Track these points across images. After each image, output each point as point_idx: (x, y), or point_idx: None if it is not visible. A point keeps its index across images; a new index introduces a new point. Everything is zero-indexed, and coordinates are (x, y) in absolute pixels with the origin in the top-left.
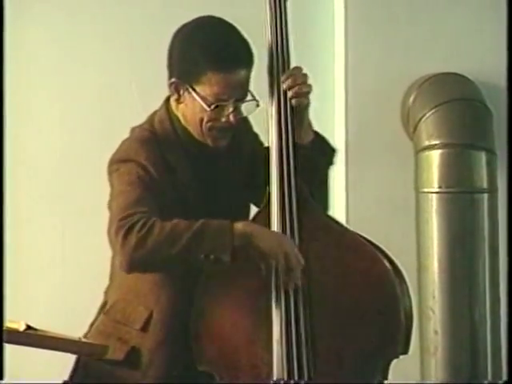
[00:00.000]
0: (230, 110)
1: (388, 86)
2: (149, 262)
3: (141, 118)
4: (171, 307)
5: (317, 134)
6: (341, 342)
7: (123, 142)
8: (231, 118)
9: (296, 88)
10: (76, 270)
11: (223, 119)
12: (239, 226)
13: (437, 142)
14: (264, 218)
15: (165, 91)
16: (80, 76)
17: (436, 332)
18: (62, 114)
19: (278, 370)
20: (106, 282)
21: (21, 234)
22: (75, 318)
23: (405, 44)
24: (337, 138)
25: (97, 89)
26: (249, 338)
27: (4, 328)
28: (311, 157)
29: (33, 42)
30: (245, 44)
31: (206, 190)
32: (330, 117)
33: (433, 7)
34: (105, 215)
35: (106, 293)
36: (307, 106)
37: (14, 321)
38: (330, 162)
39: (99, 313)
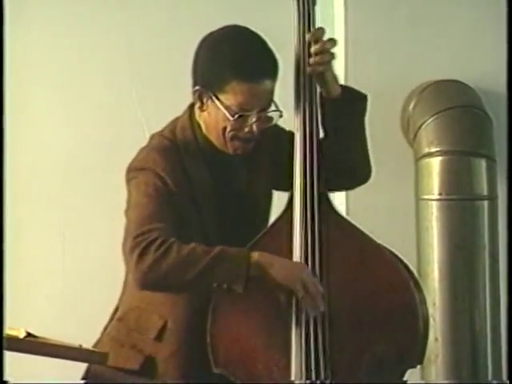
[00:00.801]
0: (254, 120)
1: (388, 92)
2: (162, 284)
3: (141, 125)
4: (186, 317)
5: (344, 86)
6: (359, 349)
7: (141, 150)
8: (254, 127)
9: (318, 57)
10: (76, 278)
11: (246, 129)
12: (255, 256)
13: (437, 149)
14: (287, 220)
15: (165, 99)
16: (81, 79)
17: (436, 339)
18: (63, 121)
19: (295, 372)
20: (106, 289)
21: (21, 241)
22: (76, 325)
23: (405, 51)
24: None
25: (98, 94)
26: (266, 343)
27: (4, 335)
28: (343, 107)
29: (33, 42)
30: (270, 54)
31: (224, 200)
32: None
33: (433, 15)
34: (106, 223)
35: (120, 299)
36: (329, 65)
37: (14, 328)
38: (364, 108)
39: (111, 318)
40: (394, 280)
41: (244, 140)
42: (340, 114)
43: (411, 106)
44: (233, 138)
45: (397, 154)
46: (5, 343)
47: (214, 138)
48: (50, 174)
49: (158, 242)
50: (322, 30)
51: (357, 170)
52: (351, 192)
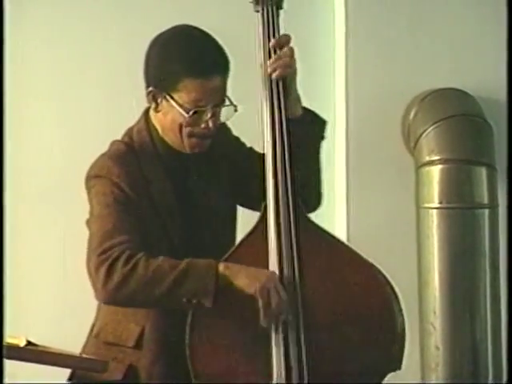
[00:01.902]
0: (209, 115)
1: (389, 101)
2: (130, 302)
3: None
4: (163, 320)
5: (306, 109)
6: (337, 354)
7: (99, 157)
8: (210, 123)
9: (279, 61)
10: (77, 285)
11: (202, 125)
12: (221, 267)
13: (437, 158)
14: (261, 231)
15: None
16: (81, 86)
17: (437, 348)
18: (63, 125)
19: (277, 376)
20: None
21: (21, 247)
22: (76, 334)
23: (406, 60)
24: (337, 152)
25: (98, 99)
26: (245, 354)
27: (4, 344)
28: (301, 130)
29: (33, 43)
30: (220, 51)
31: (186, 200)
32: (330, 132)
33: (434, 23)
34: None
35: (96, 315)
36: (292, 79)
37: (15, 336)
38: (321, 135)
39: (89, 336)
40: (370, 285)
41: (201, 136)
42: (297, 135)
43: (412, 115)
44: (190, 135)
45: (397, 163)
46: (5, 352)
47: (171, 138)
48: (51, 179)
49: (124, 258)
50: (284, 37)
51: (306, 197)
52: (352, 200)
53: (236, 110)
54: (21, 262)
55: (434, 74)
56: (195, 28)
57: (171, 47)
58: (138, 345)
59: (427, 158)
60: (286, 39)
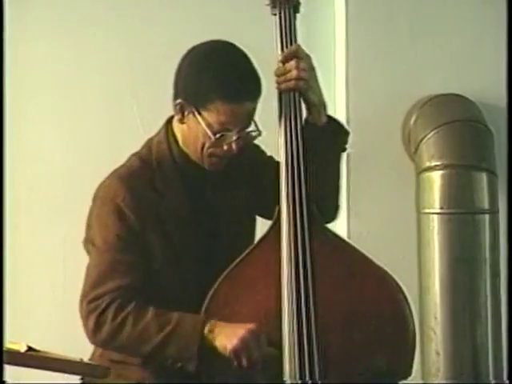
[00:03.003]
0: (234, 138)
1: (389, 107)
2: (121, 351)
3: (142, 138)
4: None
5: (330, 117)
6: (348, 361)
7: (109, 175)
8: (233, 146)
9: (285, 75)
10: (77, 291)
11: (225, 147)
12: (207, 329)
13: (438, 163)
14: (275, 235)
15: (166, 112)
16: (82, 91)
17: (438, 353)
18: (64, 131)
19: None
20: None
21: (22, 254)
22: (77, 339)
23: (406, 66)
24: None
25: (99, 106)
26: None
27: (5, 349)
28: (322, 138)
29: (33, 43)
30: (255, 74)
31: (202, 213)
32: None
33: (434, 29)
34: None
35: None
36: (308, 88)
37: (15, 342)
38: (343, 146)
39: (92, 354)
40: (382, 293)
41: (222, 157)
42: (320, 142)
43: (412, 120)
44: (210, 155)
45: (398, 168)
46: (6, 357)
47: (192, 151)
48: (51, 185)
49: (113, 309)
50: (295, 48)
51: (322, 208)
52: (352, 205)
53: (260, 135)
54: (21, 266)
55: (435, 79)
56: (229, 44)
57: (207, 64)
58: (144, 362)
59: (428, 164)
60: (293, 52)
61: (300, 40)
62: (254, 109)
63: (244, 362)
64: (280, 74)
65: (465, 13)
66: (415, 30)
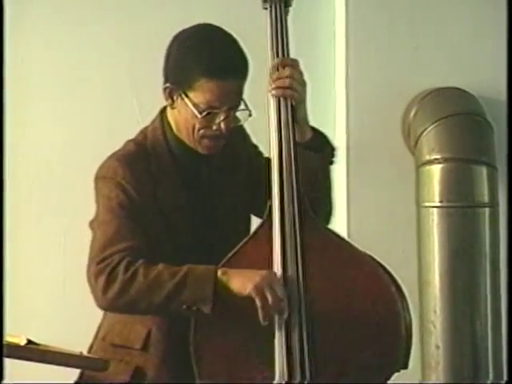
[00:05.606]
0: (222, 117)
1: (389, 100)
2: (131, 309)
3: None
4: (169, 321)
5: (316, 132)
6: (342, 354)
7: (108, 158)
8: (222, 125)
9: (279, 81)
10: (77, 284)
11: (214, 127)
12: (219, 273)
13: (438, 157)
14: (266, 231)
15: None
16: (81, 87)
17: (437, 346)
18: (64, 127)
19: (279, 376)
20: None
21: (21, 247)
22: (76, 333)
23: (406, 59)
24: (338, 152)
25: (98, 101)
26: (250, 353)
27: (4, 342)
28: (307, 156)
29: (33, 43)
30: (240, 53)
31: (196, 201)
32: (330, 131)
33: (433, 22)
34: None
35: (103, 316)
36: (298, 102)
37: (15, 335)
38: (329, 161)
39: (95, 338)
40: (375, 285)
41: (213, 138)
42: (304, 160)
43: (412, 114)
44: (202, 137)
45: (398, 161)
46: (5, 350)
47: (185, 136)
48: (50, 180)
49: (123, 265)
50: (294, 60)
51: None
52: (352, 199)
53: (250, 115)
54: (21, 261)
55: (435, 72)
56: (217, 28)
57: (191, 45)
58: (144, 346)
59: (427, 157)
60: (291, 61)
61: (300, 32)
62: (241, 87)
63: (270, 299)
64: (276, 79)
65: (465, 6)
66: (415, 24)
